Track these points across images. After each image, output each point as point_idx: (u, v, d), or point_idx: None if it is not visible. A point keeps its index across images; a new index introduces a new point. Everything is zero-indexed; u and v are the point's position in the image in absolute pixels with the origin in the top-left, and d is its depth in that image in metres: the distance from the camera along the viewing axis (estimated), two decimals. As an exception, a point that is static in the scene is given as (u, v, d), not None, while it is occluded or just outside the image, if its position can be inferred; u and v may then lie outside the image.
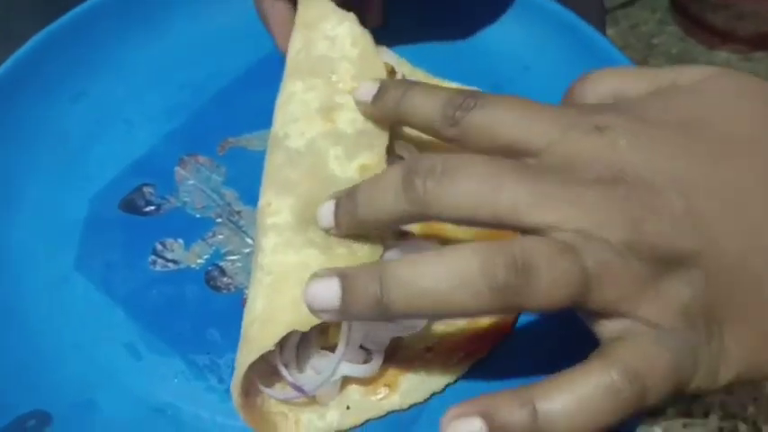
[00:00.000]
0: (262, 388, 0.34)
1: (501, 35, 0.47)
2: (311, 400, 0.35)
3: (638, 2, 1.53)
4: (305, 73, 0.39)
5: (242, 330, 0.34)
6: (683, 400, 1.08)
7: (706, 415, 1.07)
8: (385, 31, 0.42)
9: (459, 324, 0.36)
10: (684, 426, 1.06)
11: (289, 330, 0.32)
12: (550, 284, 0.26)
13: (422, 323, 0.36)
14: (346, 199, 0.33)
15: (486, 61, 0.46)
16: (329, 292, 0.29)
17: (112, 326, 0.38)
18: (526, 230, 0.28)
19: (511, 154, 0.30)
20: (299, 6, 0.41)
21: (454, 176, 0.28)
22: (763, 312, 0.28)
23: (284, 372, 0.34)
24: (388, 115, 0.36)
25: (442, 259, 0.27)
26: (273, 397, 0.34)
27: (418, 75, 0.43)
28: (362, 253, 0.34)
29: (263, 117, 0.41)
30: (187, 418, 0.35)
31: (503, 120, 0.31)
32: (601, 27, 0.56)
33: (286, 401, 0.35)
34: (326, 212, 0.34)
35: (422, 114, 0.33)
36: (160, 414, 0.35)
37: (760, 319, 0.28)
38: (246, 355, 0.33)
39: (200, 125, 0.44)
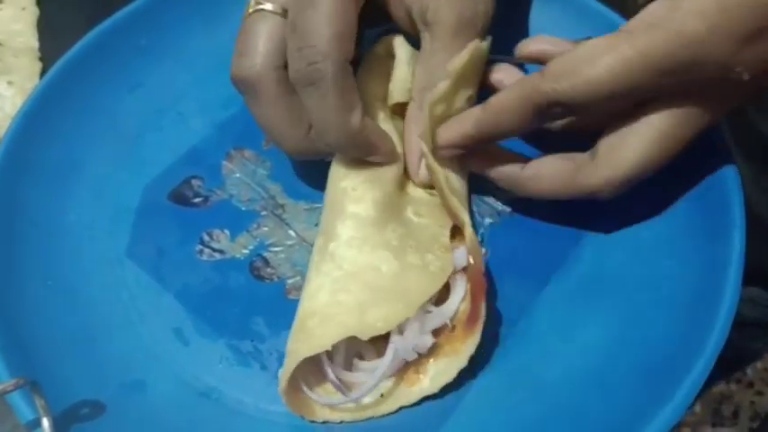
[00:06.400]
0: (309, 394, 0.35)
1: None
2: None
3: None
4: None
5: (298, 316, 0.36)
6: (712, 400, 1.07)
7: (735, 415, 1.07)
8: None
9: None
10: (713, 425, 1.06)
11: (349, 335, 0.33)
12: None
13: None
14: None
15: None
16: None
17: (161, 310, 0.39)
18: None
19: None
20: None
21: None
22: None
23: (332, 376, 0.35)
24: None
25: None
26: (319, 402, 0.35)
27: None
28: (434, 268, 0.35)
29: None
30: (230, 403, 0.36)
31: None
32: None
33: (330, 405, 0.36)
34: None
35: None
36: (205, 398, 0.37)
37: None
38: (302, 348, 0.34)
39: (248, 120, 0.45)
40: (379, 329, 0.33)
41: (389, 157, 0.39)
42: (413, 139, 0.38)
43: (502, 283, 0.39)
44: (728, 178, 0.37)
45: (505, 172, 0.37)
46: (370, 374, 0.35)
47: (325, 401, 0.35)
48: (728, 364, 1.07)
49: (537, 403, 0.35)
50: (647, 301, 0.37)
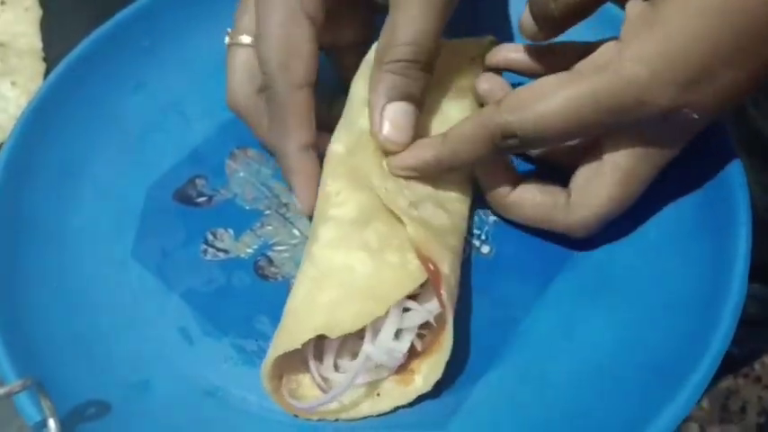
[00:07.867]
0: (291, 402, 0.35)
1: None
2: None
3: None
4: None
5: (282, 316, 0.36)
6: (719, 396, 1.07)
7: (743, 410, 1.07)
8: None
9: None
10: (721, 422, 1.06)
11: (317, 334, 0.33)
12: None
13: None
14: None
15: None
16: None
17: (166, 310, 0.40)
18: None
19: None
20: None
21: None
22: None
23: (316, 376, 0.35)
24: None
25: None
26: (302, 409, 0.35)
27: None
28: (413, 266, 0.34)
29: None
30: (235, 402, 0.37)
31: None
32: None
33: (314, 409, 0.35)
34: None
35: None
36: (210, 397, 0.37)
37: None
38: (275, 348, 0.34)
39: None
40: (349, 328, 0.33)
41: (303, 206, 0.39)
42: (377, 103, 0.37)
43: (506, 282, 0.39)
44: (734, 176, 0.37)
45: (493, 192, 0.39)
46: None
47: (299, 406, 0.35)
48: (735, 359, 1.07)
49: (542, 402, 0.35)
50: (653, 298, 0.37)
